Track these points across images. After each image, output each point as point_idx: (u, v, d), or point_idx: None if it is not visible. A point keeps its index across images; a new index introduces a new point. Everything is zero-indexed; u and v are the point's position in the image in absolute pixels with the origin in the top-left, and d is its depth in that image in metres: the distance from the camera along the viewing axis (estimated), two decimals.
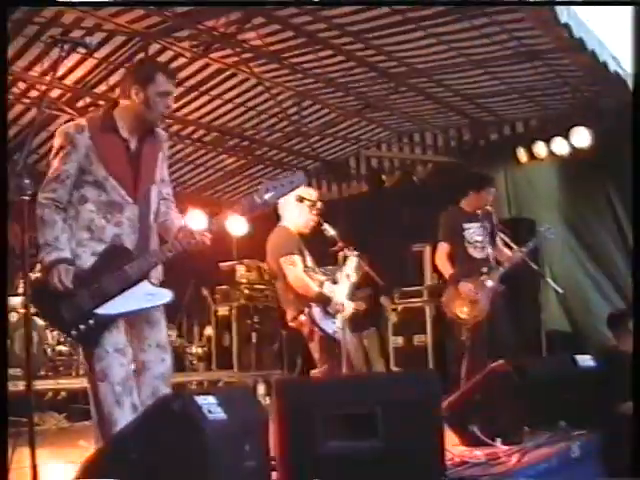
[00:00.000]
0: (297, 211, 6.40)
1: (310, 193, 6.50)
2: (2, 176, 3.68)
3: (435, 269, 8.68)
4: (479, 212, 7.03)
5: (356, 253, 6.48)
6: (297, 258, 6.22)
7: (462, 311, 6.86)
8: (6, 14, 3.91)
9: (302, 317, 6.13)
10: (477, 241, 6.93)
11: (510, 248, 7.15)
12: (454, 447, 4.79)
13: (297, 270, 6.16)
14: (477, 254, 6.91)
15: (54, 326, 5.96)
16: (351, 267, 6.47)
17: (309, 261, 6.39)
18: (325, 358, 6.16)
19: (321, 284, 6.23)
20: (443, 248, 7.01)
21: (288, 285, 6.19)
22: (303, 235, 6.48)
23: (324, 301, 6.11)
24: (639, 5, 5.32)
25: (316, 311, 6.06)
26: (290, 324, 6.34)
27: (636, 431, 4.10)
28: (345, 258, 6.51)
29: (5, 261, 3.43)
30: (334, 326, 6.08)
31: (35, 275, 5.35)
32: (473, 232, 6.94)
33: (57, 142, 4.32)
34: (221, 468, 3.40)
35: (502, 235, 7.16)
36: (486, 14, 7.50)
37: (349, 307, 6.31)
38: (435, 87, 9.83)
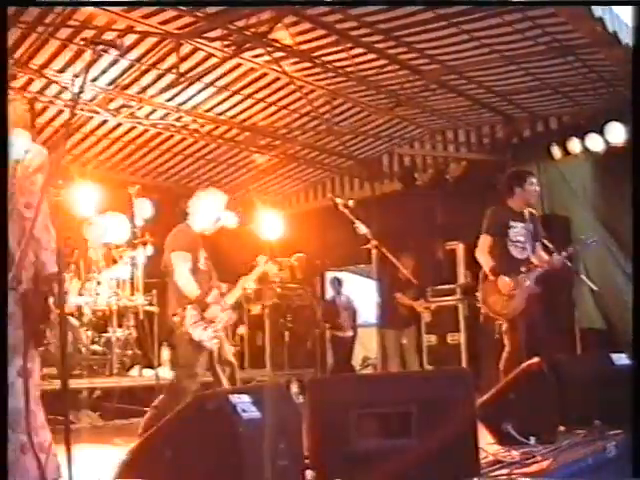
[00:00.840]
0: (203, 212, 6.35)
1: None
2: (2, 176, 3.70)
3: (471, 267, 8.63)
4: (526, 213, 7.00)
5: (265, 259, 6.50)
6: (187, 256, 6.12)
7: (497, 305, 6.83)
8: (6, 13, 3.92)
9: (175, 317, 6.05)
10: (519, 241, 6.89)
11: (549, 253, 7.10)
12: (488, 446, 4.76)
13: (183, 268, 6.07)
14: (517, 254, 6.87)
15: None
16: (258, 271, 6.48)
17: (203, 264, 6.28)
18: (185, 361, 6.06)
19: (209, 289, 6.15)
20: (486, 241, 6.96)
21: (172, 280, 6.11)
22: (205, 236, 6.41)
23: (201, 306, 6.00)
24: (639, 5, 5.27)
25: (190, 314, 5.95)
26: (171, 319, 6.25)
27: (636, 431, 4.05)
28: (252, 267, 6.52)
29: (5, 261, 3.45)
30: (204, 334, 5.97)
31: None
32: (517, 232, 6.90)
33: None
34: (255, 466, 3.41)
35: (545, 241, 7.11)
36: (518, 10, 7.44)
37: (225, 319, 6.20)
38: (467, 84, 9.78)
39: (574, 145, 10.18)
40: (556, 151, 10.42)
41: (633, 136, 4.78)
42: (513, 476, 4.10)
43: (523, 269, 6.75)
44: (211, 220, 6.32)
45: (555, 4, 7.04)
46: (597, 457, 4.71)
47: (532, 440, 4.80)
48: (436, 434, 3.84)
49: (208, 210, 6.35)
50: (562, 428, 5.16)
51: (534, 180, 7.11)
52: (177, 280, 5.99)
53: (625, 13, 6.99)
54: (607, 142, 9.77)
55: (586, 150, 10.10)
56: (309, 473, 3.87)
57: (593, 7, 6.57)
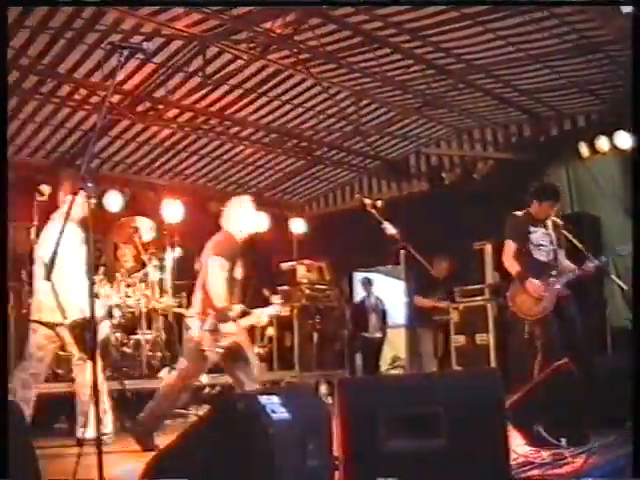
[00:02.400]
0: (241, 219, 6.38)
1: None
2: (2, 176, 3.73)
3: (499, 267, 8.59)
4: (549, 222, 6.99)
5: (279, 302, 6.52)
6: (226, 265, 6.12)
7: (525, 306, 6.82)
8: (6, 13, 3.97)
9: (192, 318, 6.11)
10: (542, 245, 6.88)
11: (577, 257, 7.05)
12: (519, 447, 4.74)
13: (219, 276, 6.09)
14: (542, 257, 6.86)
15: None
16: (271, 311, 6.52)
17: (239, 274, 6.30)
18: (189, 360, 6.12)
19: (235, 302, 6.19)
20: (510, 246, 6.96)
21: (205, 283, 6.13)
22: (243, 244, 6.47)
23: (220, 318, 6.01)
24: (639, 5, 5.23)
25: (209, 321, 5.97)
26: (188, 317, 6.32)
27: (636, 431, 4.01)
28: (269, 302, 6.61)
29: (5, 261, 3.48)
30: (212, 344, 5.99)
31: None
32: (538, 236, 6.89)
33: None
34: (285, 467, 3.41)
35: (575, 242, 7.06)
36: (544, 8, 7.40)
37: (234, 338, 6.22)
38: (494, 83, 9.74)
39: (602, 143, 10.10)
40: (584, 149, 10.35)
41: (634, 136, 4.73)
42: (544, 477, 4.07)
43: (554, 272, 6.73)
44: (248, 226, 6.37)
45: (556, 4, 7.00)
46: (628, 459, 4.67)
47: (563, 441, 4.77)
48: (465, 435, 3.82)
49: (245, 217, 6.39)
50: (593, 429, 5.12)
51: (555, 202, 7.08)
52: (210, 285, 6.02)
53: None
54: (636, 139, 9.67)
55: (614, 148, 10.01)
56: (338, 474, 3.87)
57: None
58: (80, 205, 5.57)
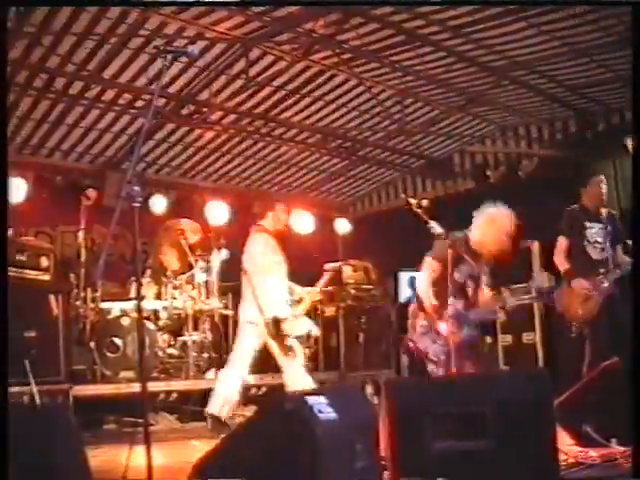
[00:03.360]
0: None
1: None
2: (2, 176, 3.75)
3: (547, 266, 8.51)
4: (604, 213, 6.89)
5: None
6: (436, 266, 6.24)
7: (572, 307, 6.75)
8: (7, 13, 4.00)
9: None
10: (597, 242, 6.81)
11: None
12: (568, 448, 4.68)
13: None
14: (595, 255, 6.79)
15: None
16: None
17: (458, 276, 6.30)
18: None
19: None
20: (563, 243, 6.90)
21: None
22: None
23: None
24: (639, 5, 5.13)
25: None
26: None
27: (636, 430, 3.93)
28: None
29: (5, 261, 3.51)
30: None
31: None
32: (595, 232, 6.82)
33: None
34: (332, 468, 3.41)
35: (628, 242, 6.96)
36: (587, 1, 7.31)
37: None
38: (538, 79, 9.64)
39: None
40: (631, 144, 10.19)
41: (634, 136, 4.65)
42: (594, 478, 4.02)
43: (602, 270, 6.64)
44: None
45: (556, 4, 6.91)
46: None
47: (613, 442, 4.71)
48: (513, 436, 3.79)
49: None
50: None
51: (598, 179, 6.99)
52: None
53: None
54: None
55: None
56: (386, 474, 3.86)
57: None
58: (277, 219, 7.21)
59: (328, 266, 8.00)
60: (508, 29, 8.10)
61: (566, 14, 7.66)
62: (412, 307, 6.40)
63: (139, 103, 9.15)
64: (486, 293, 6.29)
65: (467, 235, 6.20)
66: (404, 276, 12.65)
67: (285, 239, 7.05)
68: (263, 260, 7.07)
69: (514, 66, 9.16)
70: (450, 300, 6.02)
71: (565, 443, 4.73)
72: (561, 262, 6.85)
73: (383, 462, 3.89)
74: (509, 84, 9.75)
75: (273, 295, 6.93)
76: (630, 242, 6.94)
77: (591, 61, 8.99)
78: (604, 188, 7.10)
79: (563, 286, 6.82)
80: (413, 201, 6.67)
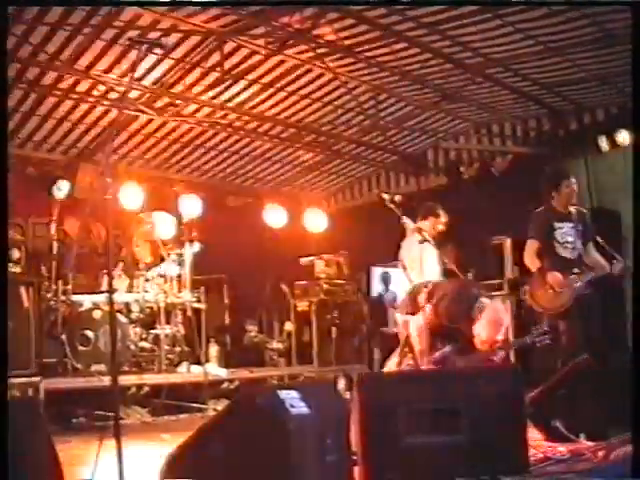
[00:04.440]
0: None
1: None
2: (2, 176, 3.74)
3: (519, 262, 8.56)
4: (573, 212, 6.93)
5: None
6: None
7: (543, 299, 6.79)
8: (7, 13, 3.97)
9: None
10: (567, 241, 6.84)
11: (604, 255, 7.01)
12: (537, 443, 4.72)
13: None
14: (567, 254, 6.83)
15: None
16: None
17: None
18: None
19: None
20: (532, 245, 6.93)
21: None
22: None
23: None
24: (639, 5, 5.18)
25: None
26: None
27: (636, 430, 3.98)
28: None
29: (5, 260, 3.49)
30: None
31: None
32: (564, 232, 6.85)
33: None
34: (303, 462, 3.42)
35: (599, 240, 7.00)
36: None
37: None
38: (512, 77, 9.68)
39: (622, 137, 10.02)
40: (604, 143, 10.27)
41: (634, 136, 4.70)
42: (563, 473, 4.05)
43: (576, 270, 6.68)
44: None
45: (556, 4, 6.95)
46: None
47: (582, 437, 4.75)
48: (485, 431, 3.81)
49: None
50: (613, 425, 5.09)
51: (569, 182, 7.04)
52: None
53: None
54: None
55: (635, 141, 9.92)
56: (357, 469, 3.87)
57: None
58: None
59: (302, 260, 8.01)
60: (483, 27, 8.11)
61: (541, 13, 7.70)
62: (403, 334, 6.67)
63: (113, 95, 9.08)
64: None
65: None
66: (377, 271, 12.69)
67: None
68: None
69: (489, 64, 9.19)
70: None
71: (535, 438, 4.76)
72: (532, 262, 6.89)
73: (354, 456, 3.90)
74: (483, 81, 9.78)
75: None
76: (601, 240, 7.01)
77: (565, 60, 9.04)
78: (575, 190, 7.14)
79: (536, 280, 6.85)
80: (386, 196, 6.69)
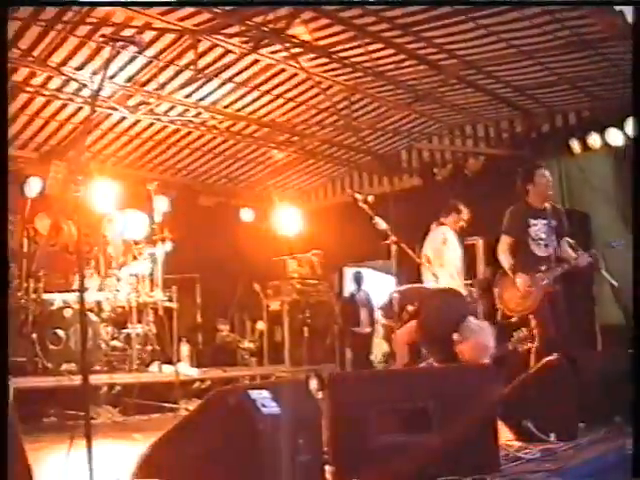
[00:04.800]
0: None
1: None
2: (2, 175, 3.72)
3: (491, 263, 8.61)
4: (548, 207, 6.96)
5: None
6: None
7: (512, 302, 6.84)
8: (7, 13, 3.94)
9: None
10: (541, 238, 6.87)
11: (573, 250, 7.07)
12: (508, 442, 4.75)
13: None
14: (539, 251, 6.86)
15: None
16: None
17: None
18: None
19: None
20: (505, 241, 6.95)
21: None
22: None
23: None
24: (639, 5, 5.23)
25: None
26: None
27: (636, 430, 4.03)
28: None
29: (6, 259, 3.47)
30: None
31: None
32: (539, 229, 6.88)
33: None
34: (274, 462, 3.41)
35: (569, 240, 7.06)
36: (536, 3, 7.40)
37: None
38: (486, 79, 9.74)
39: (594, 140, 10.11)
40: (575, 146, 10.36)
41: (633, 136, 4.74)
42: (533, 472, 4.08)
43: (543, 268, 6.72)
44: None
45: (556, 4, 6.99)
46: (617, 454, 4.69)
47: (552, 436, 4.79)
48: (456, 430, 3.83)
49: None
50: (582, 425, 5.14)
51: (543, 172, 7.08)
52: None
53: None
54: (627, 136, 9.70)
55: (606, 144, 10.03)
56: (328, 468, 3.87)
57: None
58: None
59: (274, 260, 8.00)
60: (457, 29, 8.16)
61: (514, 17, 7.75)
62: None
63: (85, 92, 9.02)
64: None
65: None
66: (349, 271, 12.72)
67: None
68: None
69: (463, 66, 9.24)
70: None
71: (505, 437, 4.79)
72: (506, 259, 6.92)
73: (326, 456, 3.91)
74: (457, 83, 9.83)
75: None
76: (571, 241, 7.06)
77: (537, 63, 9.11)
78: (550, 180, 7.18)
79: (505, 281, 6.89)
80: (359, 196, 6.70)
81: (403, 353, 6.44)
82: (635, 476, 3.81)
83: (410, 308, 6.51)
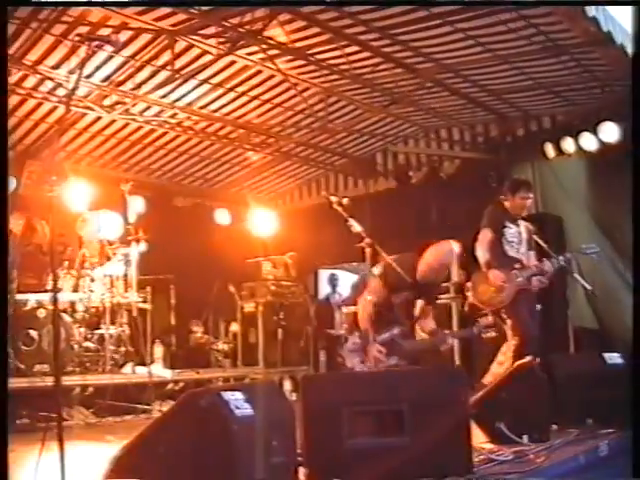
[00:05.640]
0: None
1: None
2: (2, 175, 3.70)
3: (465, 263, 8.64)
4: (522, 224, 7.09)
5: None
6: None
7: (485, 295, 6.90)
8: (6, 13, 3.92)
9: None
10: (514, 242, 6.98)
11: (543, 254, 7.14)
12: (481, 444, 4.77)
13: None
14: (512, 252, 6.95)
15: None
16: None
17: None
18: None
19: None
20: (487, 235, 7.02)
21: None
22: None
23: None
24: (639, 5, 5.29)
25: None
26: None
27: (636, 431, 4.06)
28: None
29: (6, 259, 3.45)
30: None
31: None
32: (512, 233, 7.00)
33: None
34: (248, 463, 3.41)
35: (539, 241, 7.15)
36: (512, 9, 7.45)
37: None
38: (462, 83, 9.78)
39: (568, 144, 10.19)
40: (550, 150, 10.44)
41: (633, 136, 4.77)
42: (505, 474, 4.10)
43: (517, 266, 6.81)
44: None
45: (555, 4, 7.03)
46: (589, 456, 4.73)
47: (525, 438, 4.82)
48: (429, 432, 3.84)
49: None
50: (555, 427, 5.18)
51: (526, 194, 7.18)
52: None
53: (619, 13, 7.01)
54: (601, 141, 9.78)
55: (580, 149, 10.11)
56: (302, 470, 3.87)
57: (587, 6, 6.57)
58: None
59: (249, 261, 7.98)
60: (434, 32, 8.19)
61: (491, 21, 7.79)
62: (348, 316, 6.79)
63: (61, 91, 8.96)
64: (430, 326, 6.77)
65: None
66: (324, 273, 12.71)
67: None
68: None
69: (439, 69, 9.27)
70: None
71: (479, 440, 4.81)
72: (483, 254, 6.99)
73: (299, 458, 3.91)
74: (433, 86, 9.87)
75: None
76: (545, 245, 7.13)
77: (513, 68, 9.17)
78: (528, 204, 7.30)
79: (479, 275, 6.97)
80: (334, 199, 6.70)
81: (367, 319, 6.48)
82: (635, 476, 3.83)
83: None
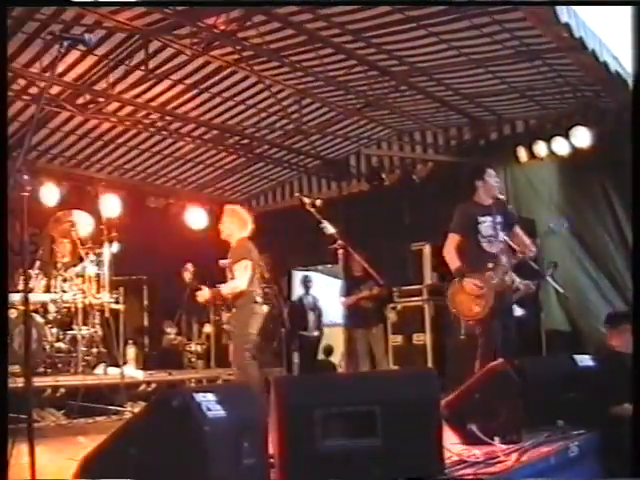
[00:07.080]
0: None
1: None
2: (2, 175, 3.67)
3: (437, 268, 8.65)
4: (492, 202, 6.93)
5: None
6: None
7: (464, 305, 6.80)
8: (6, 13, 3.89)
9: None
10: (491, 235, 6.82)
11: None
12: (453, 446, 4.79)
13: None
14: (490, 248, 6.81)
15: None
16: None
17: None
18: None
19: None
20: (453, 239, 6.89)
21: None
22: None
23: None
24: (639, 5, 5.32)
25: None
26: None
27: (636, 431, 4.09)
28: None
29: (6, 259, 3.43)
30: None
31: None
32: (487, 225, 6.84)
33: None
34: (220, 465, 3.41)
35: (513, 245, 7.10)
36: (487, 13, 7.49)
37: None
38: (435, 86, 9.83)
39: (540, 148, 10.27)
40: (522, 154, 10.51)
41: (633, 136, 4.80)
42: (477, 476, 4.12)
43: (490, 265, 6.68)
44: None
45: (556, 4, 7.06)
46: (560, 457, 4.77)
47: (496, 440, 4.84)
48: (401, 434, 3.86)
49: None
50: (526, 428, 5.21)
51: (492, 172, 7.12)
52: None
53: (590, 20, 7.07)
54: (572, 145, 9.86)
55: (552, 153, 10.19)
56: (274, 472, 3.87)
57: (559, 12, 6.60)
58: None
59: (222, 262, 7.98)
60: (408, 36, 8.22)
61: (465, 25, 7.84)
62: None
63: (33, 90, 8.90)
64: None
65: None
66: (297, 275, 12.73)
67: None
68: None
69: (413, 72, 9.31)
70: None
71: (450, 441, 4.83)
72: (452, 259, 6.84)
73: (271, 460, 3.91)
74: (407, 90, 9.90)
75: None
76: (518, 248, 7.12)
77: (487, 72, 9.22)
78: (497, 181, 7.20)
79: (455, 286, 6.84)
80: (307, 200, 6.70)
81: None
82: (635, 476, 3.85)
83: None
